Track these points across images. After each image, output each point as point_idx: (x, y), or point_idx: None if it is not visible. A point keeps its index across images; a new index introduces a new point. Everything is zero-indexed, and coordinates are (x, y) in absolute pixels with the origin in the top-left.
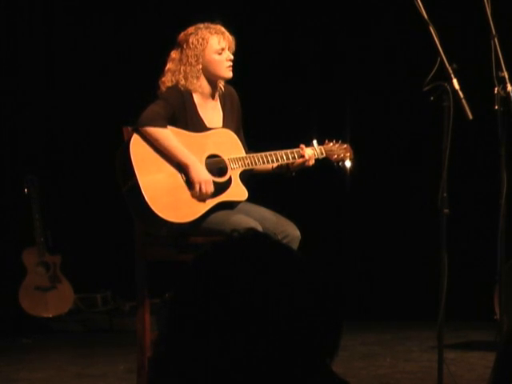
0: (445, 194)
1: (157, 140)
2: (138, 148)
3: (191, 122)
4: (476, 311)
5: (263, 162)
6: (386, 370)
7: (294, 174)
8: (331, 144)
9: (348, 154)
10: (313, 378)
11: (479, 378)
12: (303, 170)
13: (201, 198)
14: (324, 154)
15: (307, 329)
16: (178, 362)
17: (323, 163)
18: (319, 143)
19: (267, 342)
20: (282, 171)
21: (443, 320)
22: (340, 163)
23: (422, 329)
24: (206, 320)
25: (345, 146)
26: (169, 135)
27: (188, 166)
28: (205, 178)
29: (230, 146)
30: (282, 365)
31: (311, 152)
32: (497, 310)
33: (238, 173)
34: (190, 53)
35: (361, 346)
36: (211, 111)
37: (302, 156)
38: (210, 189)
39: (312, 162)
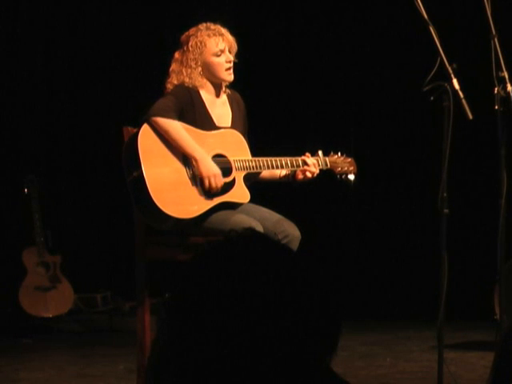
0: (445, 194)
1: (167, 131)
2: (146, 139)
3: (200, 118)
4: (476, 311)
5: (268, 167)
6: (385, 370)
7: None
8: (336, 156)
9: (352, 168)
10: (313, 378)
11: (479, 378)
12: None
13: (210, 191)
14: (328, 166)
15: (306, 328)
16: (175, 361)
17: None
18: (324, 155)
19: (266, 341)
20: (289, 181)
21: (443, 320)
22: (343, 176)
23: (421, 329)
24: (203, 319)
25: (349, 159)
26: (179, 127)
27: (197, 160)
28: (214, 172)
29: (236, 147)
30: (281, 364)
31: (315, 161)
32: (497, 310)
33: (242, 175)
34: (189, 56)
35: (361, 346)
36: (220, 108)
37: (306, 164)
38: (220, 182)
39: (317, 171)
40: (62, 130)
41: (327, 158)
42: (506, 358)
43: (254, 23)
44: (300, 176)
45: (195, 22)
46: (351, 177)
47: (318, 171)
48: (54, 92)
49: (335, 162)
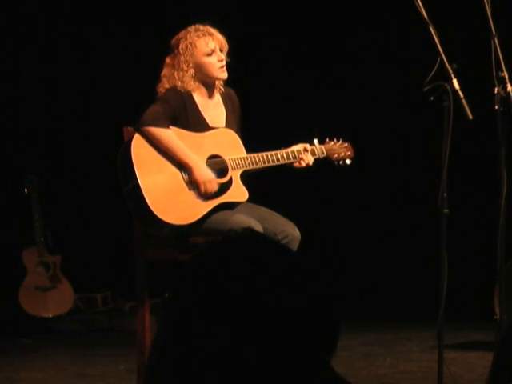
0: (445, 194)
1: (159, 140)
2: (139, 149)
3: (193, 121)
4: (476, 311)
5: (264, 162)
6: (385, 370)
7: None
8: (332, 143)
9: (349, 153)
10: (313, 378)
11: (479, 378)
12: (304, 169)
13: (205, 197)
14: (325, 154)
15: (306, 328)
16: (175, 361)
17: (324, 163)
18: (320, 142)
19: (266, 341)
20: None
21: (443, 320)
22: (341, 162)
23: (421, 329)
24: (202, 320)
25: (345, 144)
26: (171, 136)
27: (191, 168)
28: (208, 178)
29: (231, 146)
30: (281, 364)
31: (311, 158)
32: (497, 310)
33: (239, 173)
34: (181, 58)
35: (361, 346)
36: (214, 109)
37: (301, 158)
38: (214, 188)
39: (310, 162)
40: (62, 129)
41: (323, 146)
42: (505, 357)
43: (250, 17)
44: (295, 164)
45: (193, 24)
46: (348, 162)
47: (311, 162)
48: (54, 92)
49: (332, 149)
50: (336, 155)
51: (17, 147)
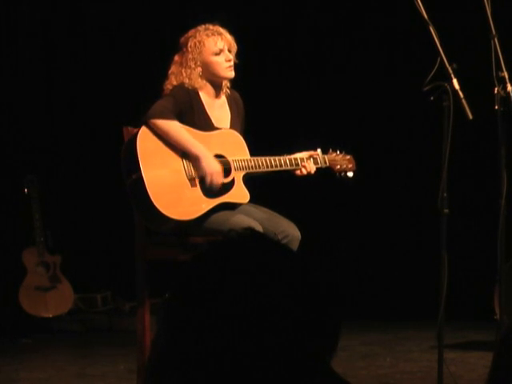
0: (445, 194)
1: (167, 132)
2: (145, 142)
3: (198, 120)
4: (476, 311)
5: (267, 166)
6: (386, 370)
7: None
8: (335, 154)
9: (350, 166)
10: (313, 378)
11: (479, 378)
12: (305, 177)
13: (211, 189)
14: (327, 164)
15: (306, 328)
16: (175, 361)
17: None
18: (323, 152)
19: (265, 341)
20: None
21: (443, 320)
22: (342, 174)
23: (421, 329)
24: (203, 319)
25: (348, 157)
26: (179, 128)
27: (200, 158)
28: (216, 170)
29: (235, 148)
30: (281, 364)
31: (313, 167)
32: (497, 310)
33: (242, 175)
34: (189, 56)
35: (361, 346)
36: (219, 110)
37: (304, 166)
38: (219, 181)
39: (312, 171)
40: (62, 130)
41: (326, 156)
42: (504, 357)
43: (253, 21)
44: (296, 172)
45: (196, 24)
46: (350, 174)
47: (313, 171)
48: (54, 92)
49: (334, 160)
50: (338, 166)
51: (17, 147)
